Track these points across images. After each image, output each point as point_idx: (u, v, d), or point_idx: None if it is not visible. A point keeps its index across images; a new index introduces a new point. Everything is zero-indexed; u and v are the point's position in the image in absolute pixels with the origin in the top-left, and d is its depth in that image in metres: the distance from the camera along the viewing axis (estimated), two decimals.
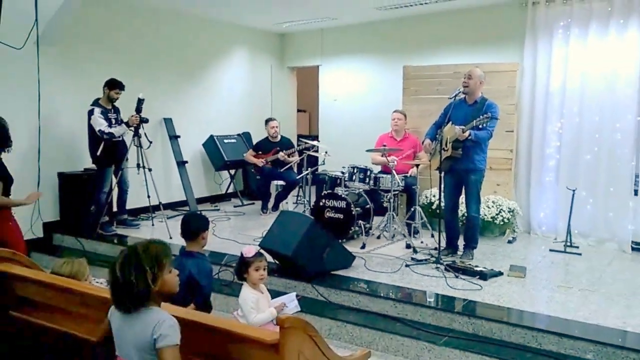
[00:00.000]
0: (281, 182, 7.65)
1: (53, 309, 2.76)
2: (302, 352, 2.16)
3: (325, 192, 6.13)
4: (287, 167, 7.39)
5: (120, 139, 6.23)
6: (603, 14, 6.05)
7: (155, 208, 6.53)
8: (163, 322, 2.08)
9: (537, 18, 6.53)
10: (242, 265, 3.27)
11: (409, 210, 6.34)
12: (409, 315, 4.15)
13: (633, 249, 5.91)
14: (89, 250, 5.98)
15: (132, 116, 6.14)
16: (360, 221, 5.89)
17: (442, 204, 5.39)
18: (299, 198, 8.11)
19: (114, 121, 6.15)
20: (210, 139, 8.28)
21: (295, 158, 7.51)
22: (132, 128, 6.18)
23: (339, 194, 5.93)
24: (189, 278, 3.33)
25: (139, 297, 2.09)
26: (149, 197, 6.28)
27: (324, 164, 7.07)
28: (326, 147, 7.08)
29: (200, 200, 8.14)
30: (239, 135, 8.72)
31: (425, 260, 5.23)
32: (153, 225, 6.70)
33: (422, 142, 5.63)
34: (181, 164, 7.81)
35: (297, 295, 3.57)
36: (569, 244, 5.89)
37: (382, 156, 6.18)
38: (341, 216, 5.84)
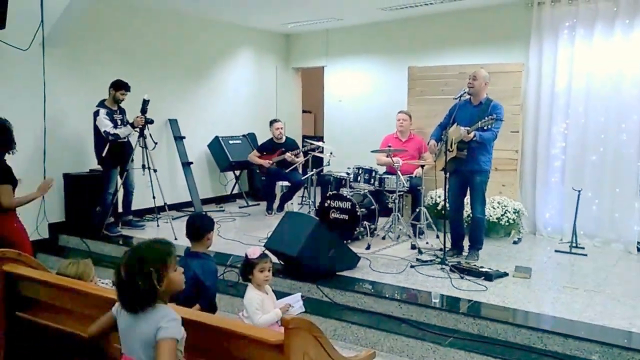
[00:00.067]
0: (286, 183, 7.65)
1: (59, 310, 2.76)
2: (307, 353, 2.16)
3: (330, 193, 6.14)
4: (292, 168, 7.39)
5: (126, 140, 6.25)
6: (609, 14, 6.03)
7: (161, 209, 6.55)
8: (165, 316, 2.08)
9: (542, 18, 6.51)
10: (247, 267, 3.27)
11: (414, 211, 6.33)
12: (414, 316, 4.14)
13: (639, 249, 5.88)
14: (95, 251, 6.00)
15: (138, 117, 6.15)
16: (365, 222, 5.89)
17: (447, 205, 5.38)
18: (304, 199, 8.10)
19: (119, 122, 6.17)
20: (216, 139, 8.30)
21: (301, 159, 7.51)
22: (138, 129, 6.19)
23: (344, 194, 5.93)
24: (194, 279, 3.33)
25: (146, 298, 2.09)
26: (154, 198, 6.30)
27: (329, 164, 7.07)
28: (331, 148, 7.09)
29: (206, 201, 8.15)
30: (244, 136, 8.73)
31: (431, 261, 5.23)
32: (158, 226, 6.72)
33: (428, 143, 5.62)
34: (186, 164, 7.83)
35: (302, 296, 3.57)
36: (574, 244, 5.87)
37: (387, 157, 6.17)
38: (346, 217, 5.84)
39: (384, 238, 6.12)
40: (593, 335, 3.59)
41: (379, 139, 6.86)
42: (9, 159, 4.30)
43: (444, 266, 5.00)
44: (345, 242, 5.41)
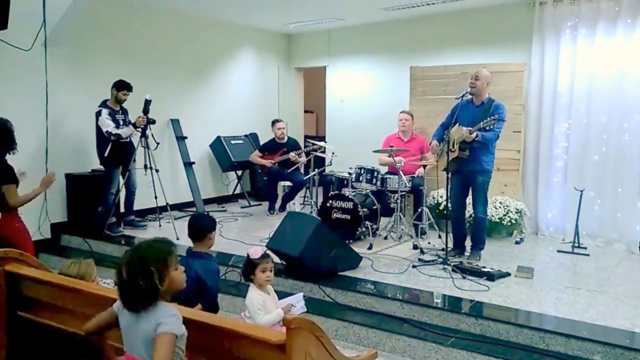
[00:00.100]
0: (288, 183, 7.66)
1: (60, 310, 2.77)
2: (309, 353, 2.15)
3: (332, 193, 6.13)
4: (294, 168, 7.39)
5: (128, 140, 6.26)
6: (611, 13, 6.02)
7: (163, 209, 6.55)
8: (165, 312, 2.09)
9: (544, 18, 6.50)
10: (249, 267, 3.27)
11: (416, 211, 6.33)
12: (416, 316, 4.14)
13: None
14: (97, 251, 6.01)
15: (139, 117, 6.16)
16: (367, 222, 5.88)
17: (450, 205, 5.38)
18: (306, 199, 8.11)
19: (121, 122, 6.18)
20: (218, 140, 8.30)
21: (303, 159, 7.51)
22: (140, 129, 6.20)
23: (346, 194, 5.93)
24: (195, 279, 3.34)
25: (147, 297, 2.09)
26: (156, 198, 6.30)
27: (331, 164, 7.06)
28: (333, 148, 7.09)
29: (208, 201, 8.16)
30: (246, 136, 8.73)
31: (433, 261, 5.22)
32: (160, 226, 6.72)
33: (430, 143, 5.62)
34: (188, 164, 7.83)
35: (304, 296, 3.57)
36: (576, 244, 5.86)
37: (389, 157, 6.16)
38: (348, 217, 5.84)
39: (386, 238, 6.12)
40: (595, 336, 3.58)
41: (381, 139, 6.86)
42: (10, 158, 4.32)
43: (446, 266, 4.99)
44: (347, 242, 5.41)
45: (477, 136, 4.94)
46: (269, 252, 3.52)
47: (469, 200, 5.43)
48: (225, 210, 7.97)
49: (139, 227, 6.66)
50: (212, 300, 3.43)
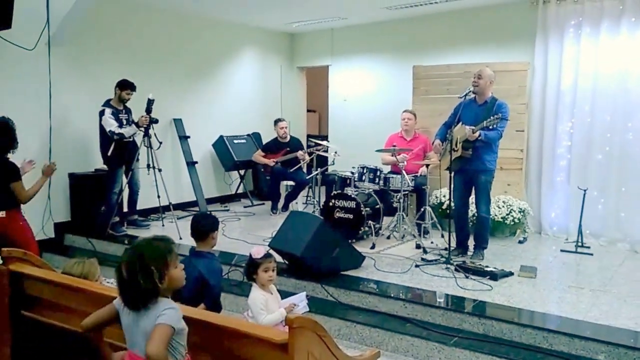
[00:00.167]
0: (291, 183, 7.66)
1: (64, 309, 2.77)
2: (311, 352, 2.16)
3: (335, 192, 6.14)
4: (296, 167, 7.39)
5: (131, 139, 6.27)
6: (614, 12, 6.00)
7: (165, 208, 6.56)
8: (164, 306, 2.10)
9: (548, 17, 6.49)
10: (251, 266, 3.27)
11: (418, 210, 6.32)
12: (419, 316, 4.14)
13: None
14: (100, 251, 6.02)
15: (142, 117, 6.16)
16: (370, 221, 5.88)
17: (452, 204, 5.37)
18: (308, 198, 8.11)
19: (125, 122, 6.18)
20: (220, 139, 8.31)
21: (307, 158, 7.51)
22: (142, 128, 6.20)
23: (349, 194, 5.93)
24: (198, 278, 3.34)
25: (148, 296, 2.10)
26: (159, 197, 6.30)
27: (333, 164, 7.06)
28: (336, 147, 7.08)
29: (210, 201, 8.17)
30: (248, 135, 8.74)
31: (435, 260, 5.22)
32: (163, 225, 6.73)
33: (432, 143, 5.61)
34: (191, 164, 7.84)
35: (306, 295, 3.57)
36: (580, 244, 5.85)
37: (392, 156, 6.16)
38: (351, 216, 5.84)
39: (388, 237, 6.11)
40: (599, 335, 3.58)
41: (383, 138, 6.86)
42: (13, 157, 4.35)
43: (448, 266, 4.99)
44: (349, 241, 5.40)
45: (480, 135, 4.94)
46: (271, 251, 3.52)
47: (472, 199, 5.42)
48: (228, 210, 7.97)
49: (142, 226, 6.68)
50: (215, 300, 3.44)
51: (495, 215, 6.05)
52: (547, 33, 6.50)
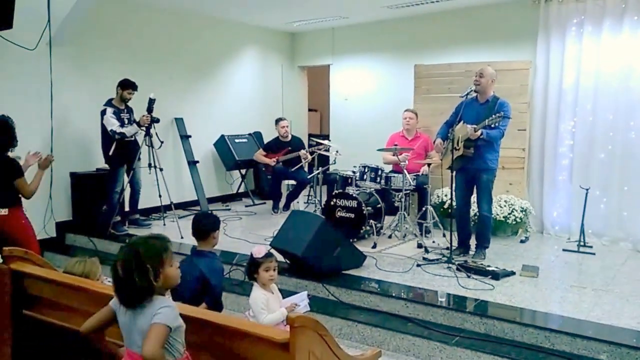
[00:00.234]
0: (292, 182, 7.65)
1: (65, 308, 2.77)
2: (313, 352, 2.15)
3: (336, 191, 6.12)
4: (298, 166, 7.38)
5: (133, 138, 6.27)
6: (617, 10, 5.99)
7: (167, 208, 6.56)
8: (159, 305, 2.10)
9: (550, 15, 6.47)
10: (252, 266, 3.27)
11: (420, 209, 6.31)
12: (421, 315, 4.13)
13: None
14: (101, 250, 6.02)
15: (144, 116, 6.16)
16: (371, 221, 5.87)
17: (454, 203, 5.36)
18: (310, 197, 8.10)
19: (126, 121, 6.19)
20: (222, 138, 8.30)
21: (309, 157, 7.51)
22: (144, 128, 6.20)
23: (350, 193, 5.92)
24: (200, 277, 3.34)
25: (143, 294, 2.10)
26: (160, 196, 6.30)
27: (335, 163, 7.06)
28: (337, 146, 7.07)
29: (212, 200, 8.17)
30: (250, 134, 8.73)
31: (437, 260, 5.21)
32: (164, 225, 6.73)
33: (434, 142, 5.60)
34: (192, 163, 7.84)
35: (308, 295, 3.56)
36: (582, 243, 5.84)
37: (393, 155, 6.15)
38: (352, 215, 5.83)
39: (390, 237, 6.11)
40: (601, 335, 3.57)
41: (385, 137, 6.85)
42: (14, 156, 4.36)
43: (450, 265, 4.98)
44: (351, 240, 5.40)
45: (481, 134, 4.93)
46: (272, 251, 3.52)
47: (474, 198, 5.41)
48: (229, 209, 7.97)
49: (144, 226, 6.67)
50: (216, 299, 3.43)
51: (497, 215, 6.04)
52: (549, 31, 6.48)
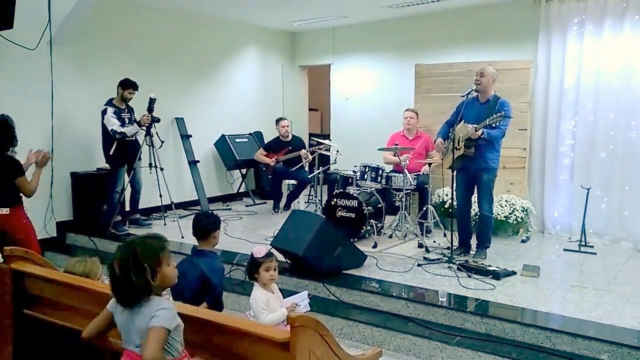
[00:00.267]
0: (293, 182, 7.65)
1: (66, 308, 2.77)
2: (313, 351, 2.15)
3: (337, 191, 6.12)
4: (298, 166, 7.38)
5: (133, 138, 6.27)
6: (618, 10, 5.98)
7: (167, 207, 6.56)
8: (157, 306, 2.10)
9: (551, 15, 6.46)
10: (253, 266, 3.26)
11: (421, 209, 6.31)
12: (421, 315, 4.12)
13: None
14: (102, 250, 6.01)
15: (144, 116, 6.16)
16: (372, 220, 5.87)
17: (455, 203, 5.36)
18: (310, 197, 8.10)
19: (127, 121, 6.19)
20: (222, 138, 8.30)
21: (309, 157, 7.50)
22: (144, 127, 6.20)
23: (351, 193, 5.92)
24: (200, 277, 3.34)
25: (140, 293, 2.11)
26: (161, 196, 6.30)
27: (335, 163, 7.05)
28: (338, 146, 7.07)
29: (212, 200, 8.16)
30: (250, 134, 8.73)
31: (438, 259, 5.20)
32: (165, 224, 6.73)
33: (435, 141, 5.59)
34: (193, 163, 7.84)
35: (308, 295, 3.56)
36: (583, 243, 5.83)
37: (394, 155, 6.15)
38: (353, 215, 5.83)
39: (390, 236, 6.10)
40: (602, 335, 3.56)
41: (385, 137, 6.84)
42: (16, 155, 4.36)
43: (451, 265, 4.98)
44: (351, 240, 5.40)
45: (482, 133, 4.92)
46: (272, 250, 3.51)
47: (475, 198, 5.41)
48: (230, 209, 7.97)
49: (144, 225, 6.67)
50: (217, 299, 3.43)
51: (498, 214, 6.04)
52: (550, 31, 6.48)
